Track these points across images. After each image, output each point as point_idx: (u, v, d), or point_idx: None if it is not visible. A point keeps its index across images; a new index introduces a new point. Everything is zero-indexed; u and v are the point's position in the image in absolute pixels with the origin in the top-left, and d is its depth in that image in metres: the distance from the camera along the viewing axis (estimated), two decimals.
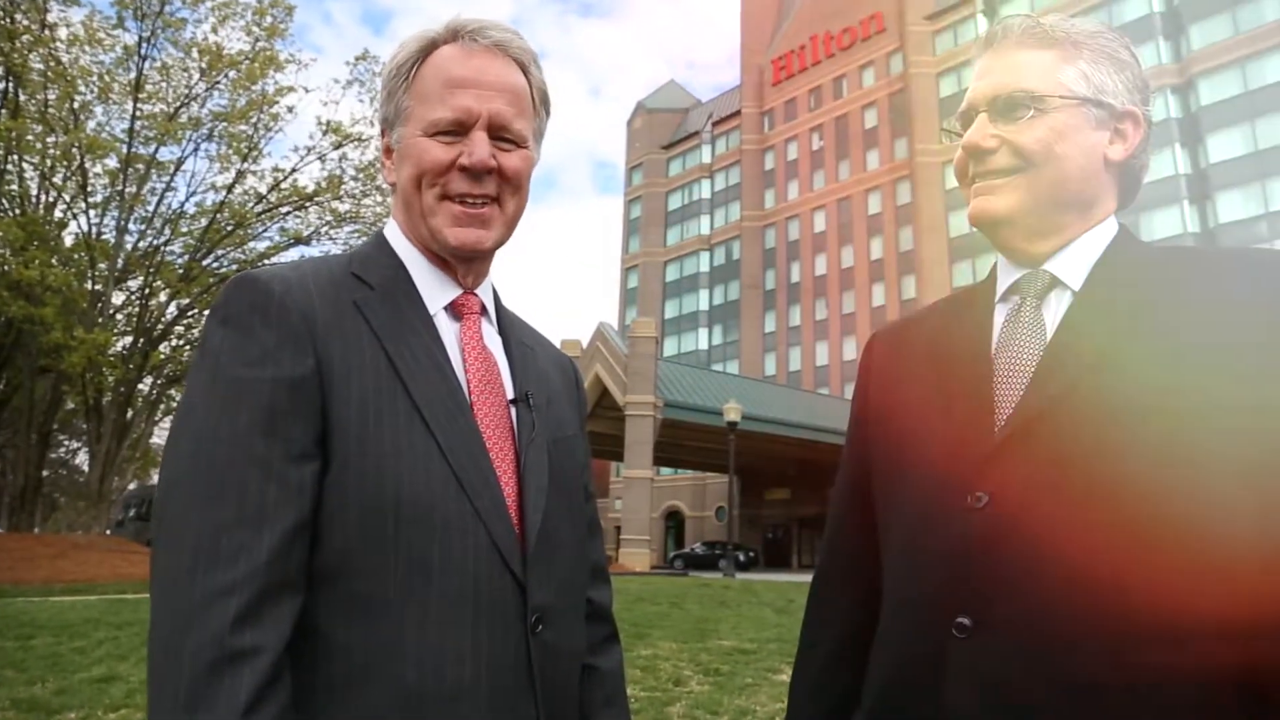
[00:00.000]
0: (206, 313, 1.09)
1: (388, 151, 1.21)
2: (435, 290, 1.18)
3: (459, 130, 1.12)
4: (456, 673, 1.00)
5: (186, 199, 23.52)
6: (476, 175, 1.12)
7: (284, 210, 23.71)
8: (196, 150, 22.81)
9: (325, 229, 23.83)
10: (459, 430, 1.07)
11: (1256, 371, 0.94)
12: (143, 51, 21.65)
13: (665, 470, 57.87)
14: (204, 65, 21.78)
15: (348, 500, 1.00)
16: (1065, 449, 0.98)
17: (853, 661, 1.21)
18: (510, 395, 1.18)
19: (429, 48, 1.16)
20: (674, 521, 62.83)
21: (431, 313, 1.15)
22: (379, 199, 23.17)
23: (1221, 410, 0.94)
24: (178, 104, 22.18)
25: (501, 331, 1.26)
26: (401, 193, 1.17)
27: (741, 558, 40.07)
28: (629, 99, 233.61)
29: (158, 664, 0.90)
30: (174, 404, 25.11)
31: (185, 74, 22.26)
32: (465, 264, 1.20)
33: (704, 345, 69.07)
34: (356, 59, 22.52)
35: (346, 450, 1.01)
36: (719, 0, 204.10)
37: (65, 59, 21.01)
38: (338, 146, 22.54)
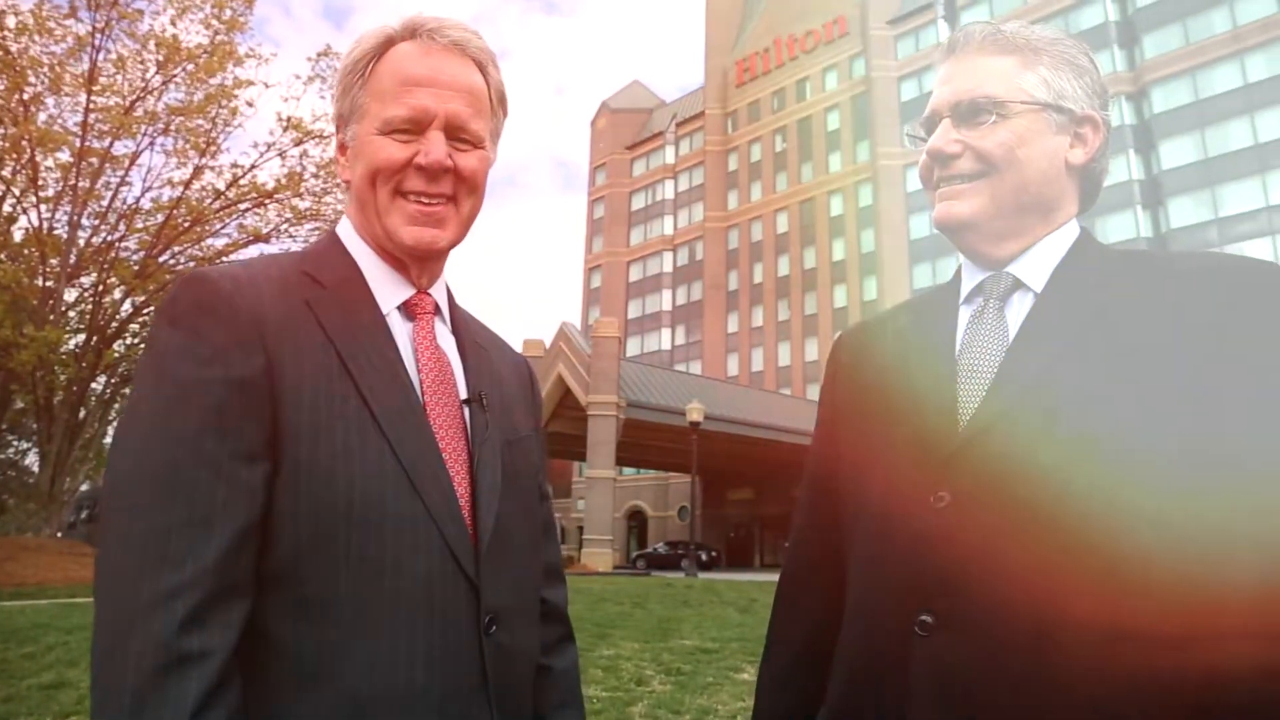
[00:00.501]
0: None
1: (342, 148, 1.19)
2: (388, 290, 1.16)
3: (415, 129, 1.11)
4: (408, 676, 0.99)
5: (142, 194, 23.07)
6: (433, 175, 1.11)
7: (243, 207, 23.34)
8: (152, 145, 22.38)
9: (285, 226, 23.49)
10: (411, 430, 1.06)
11: (1207, 374, 0.96)
12: (96, 42, 21.20)
13: (628, 470, 57.88)
14: (160, 58, 21.37)
15: (298, 502, 0.98)
16: (1025, 449, 1.00)
17: (818, 658, 1.22)
18: (463, 395, 1.17)
19: (385, 44, 1.15)
20: (637, 521, 62.88)
21: (385, 312, 1.14)
22: (340, 196, 22.87)
23: (1173, 411, 0.96)
24: (133, 97, 21.76)
25: (455, 331, 1.25)
26: (356, 190, 1.16)
27: (704, 557, 40.18)
28: (592, 98, 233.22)
29: (102, 668, 0.89)
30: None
31: (141, 67, 21.83)
32: (419, 264, 1.19)
33: (667, 345, 69.18)
34: (318, 55, 22.18)
35: (298, 452, 0.99)
36: (683, 1, 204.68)
37: (14, 49, 20.51)
38: (298, 143, 22.23)
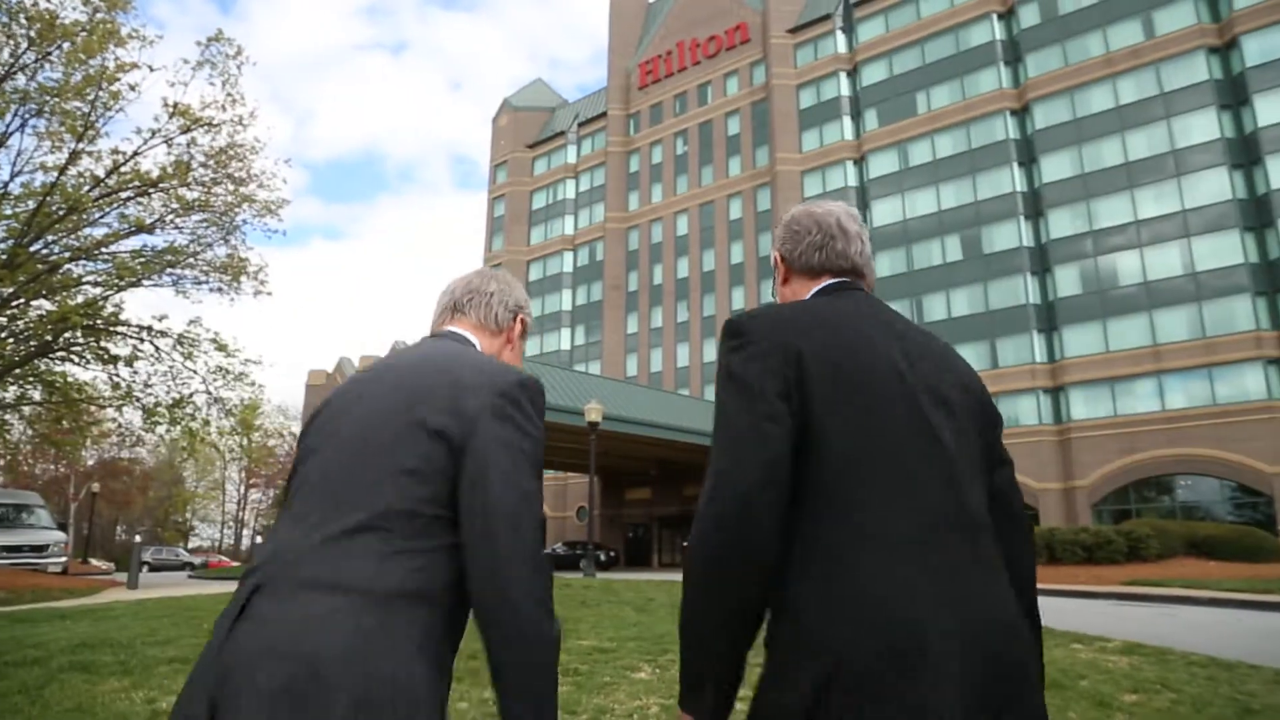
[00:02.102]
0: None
1: (524, 328, 1.94)
2: None
3: None
4: None
5: (11, 178, 21.74)
6: None
7: (124, 195, 22.19)
8: (24, 126, 21.08)
9: (171, 217, 22.44)
10: None
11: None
12: None
13: None
14: (33, 34, 20.15)
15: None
16: None
17: None
18: None
19: None
20: None
21: None
22: (230, 187, 21.96)
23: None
24: (1, 74, 20.46)
25: None
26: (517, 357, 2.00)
27: (602, 557, 40.29)
28: (490, 93, 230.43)
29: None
30: None
31: (11, 42, 20.54)
32: None
33: (566, 345, 69.06)
34: (209, 40, 21.16)
35: None
36: (586, 1, 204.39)
37: None
38: (186, 130, 21.20)
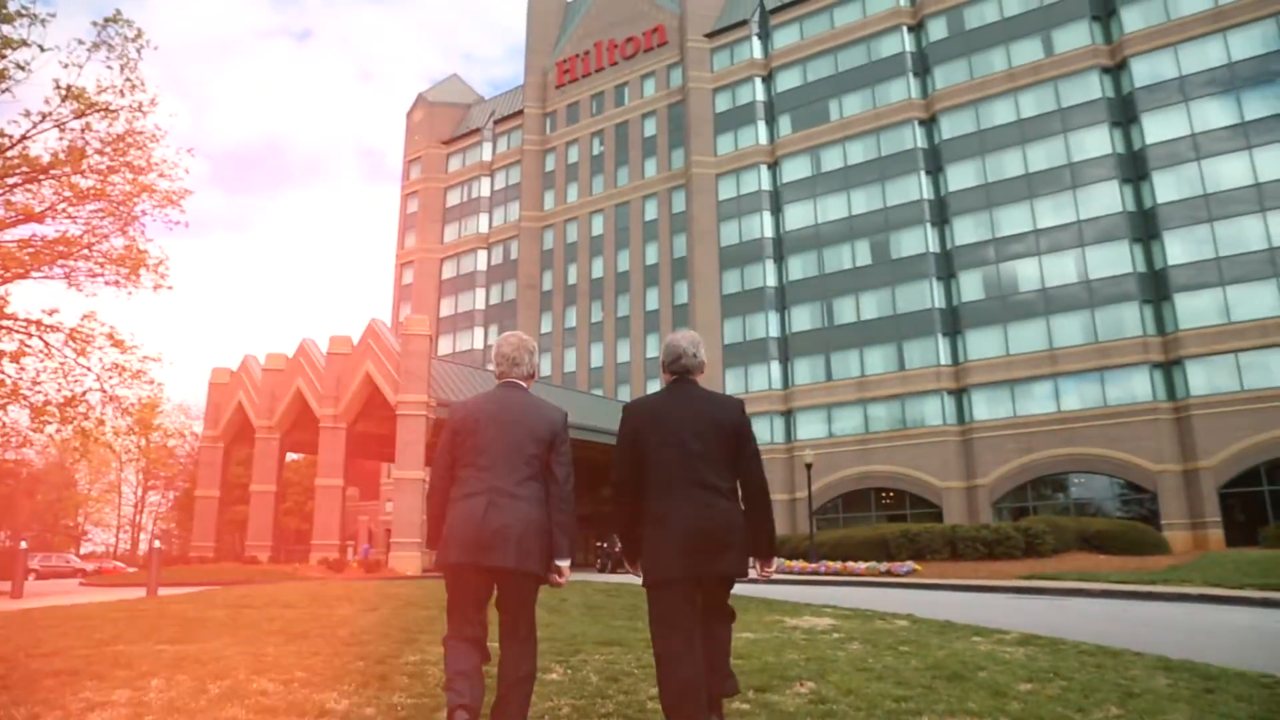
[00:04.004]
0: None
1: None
2: None
3: None
4: None
5: None
6: None
7: (11, 181, 21.07)
8: None
9: (63, 206, 21.36)
10: None
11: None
12: None
13: None
14: None
15: None
16: None
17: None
18: None
19: None
20: None
21: None
22: (129, 176, 21.00)
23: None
24: None
25: None
26: None
27: None
28: (402, 86, 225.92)
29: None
30: None
31: None
32: None
33: (480, 345, 68.36)
34: (106, 20, 20.20)
35: None
36: None
37: None
38: (80, 115, 20.20)
